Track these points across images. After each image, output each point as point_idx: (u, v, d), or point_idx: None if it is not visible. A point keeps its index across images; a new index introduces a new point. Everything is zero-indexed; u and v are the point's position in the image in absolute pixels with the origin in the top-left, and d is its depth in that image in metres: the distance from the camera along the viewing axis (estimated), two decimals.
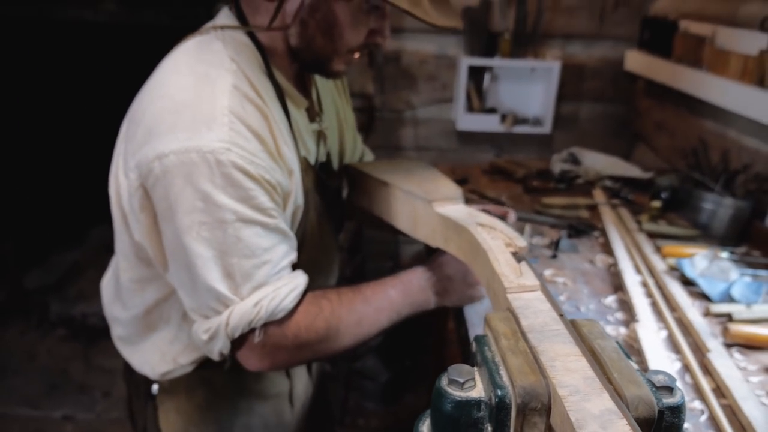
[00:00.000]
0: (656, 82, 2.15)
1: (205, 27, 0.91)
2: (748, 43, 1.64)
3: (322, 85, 1.13)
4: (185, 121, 0.80)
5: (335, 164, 1.17)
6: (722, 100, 1.70)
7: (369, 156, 1.37)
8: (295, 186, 0.93)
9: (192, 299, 0.87)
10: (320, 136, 1.07)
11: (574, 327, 0.55)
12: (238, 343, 0.89)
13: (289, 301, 0.88)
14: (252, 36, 0.90)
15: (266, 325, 0.88)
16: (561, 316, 0.57)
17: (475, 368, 0.55)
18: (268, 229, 0.85)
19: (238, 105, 0.82)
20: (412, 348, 2.68)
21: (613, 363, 0.49)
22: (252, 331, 0.87)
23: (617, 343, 0.54)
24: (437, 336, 1.98)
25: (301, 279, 0.91)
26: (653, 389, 0.49)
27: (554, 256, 1.41)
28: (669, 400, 0.51)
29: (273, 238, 0.86)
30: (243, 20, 0.90)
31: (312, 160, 1.02)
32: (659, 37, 2.11)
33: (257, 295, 0.85)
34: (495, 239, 0.74)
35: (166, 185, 0.80)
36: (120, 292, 1.02)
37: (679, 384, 0.96)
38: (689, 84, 1.88)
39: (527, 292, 0.62)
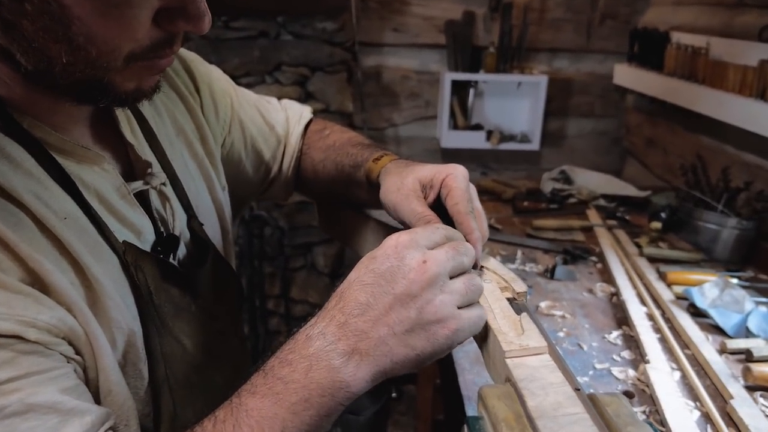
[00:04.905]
0: (647, 97, 2.06)
1: None
2: (746, 53, 1.55)
3: (155, 114, 0.75)
4: None
5: (211, 222, 0.81)
6: (721, 114, 1.61)
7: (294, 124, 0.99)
8: (108, 303, 0.56)
9: None
10: (162, 197, 0.70)
11: (595, 407, 0.42)
12: None
13: None
14: None
15: None
16: (577, 390, 0.44)
17: None
18: (15, 416, 0.47)
19: None
20: (398, 378, 2.53)
21: None
22: None
23: (652, 426, 0.41)
24: (425, 366, 1.85)
25: None
26: None
27: (552, 277, 1.31)
28: None
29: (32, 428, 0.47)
30: None
31: (148, 240, 0.66)
32: (649, 50, 2.02)
33: None
34: (487, 281, 0.61)
35: None
36: None
37: None
38: (684, 98, 1.79)
39: (532, 356, 0.49)
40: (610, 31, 2.34)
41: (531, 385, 0.45)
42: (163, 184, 0.70)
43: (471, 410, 0.88)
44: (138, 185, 0.66)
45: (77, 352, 0.53)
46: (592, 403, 0.43)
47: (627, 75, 2.18)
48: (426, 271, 0.52)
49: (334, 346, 0.51)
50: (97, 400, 0.55)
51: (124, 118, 0.68)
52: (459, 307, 0.53)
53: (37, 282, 0.51)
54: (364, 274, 0.53)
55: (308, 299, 2.47)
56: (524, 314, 0.55)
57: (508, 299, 0.58)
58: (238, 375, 0.79)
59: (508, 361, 0.48)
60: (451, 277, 0.54)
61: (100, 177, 0.61)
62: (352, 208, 0.92)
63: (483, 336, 0.56)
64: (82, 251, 0.55)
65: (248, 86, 2.18)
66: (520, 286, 0.60)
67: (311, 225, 2.36)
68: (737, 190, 1.52)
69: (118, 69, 0.52)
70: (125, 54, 0.51)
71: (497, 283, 0.61)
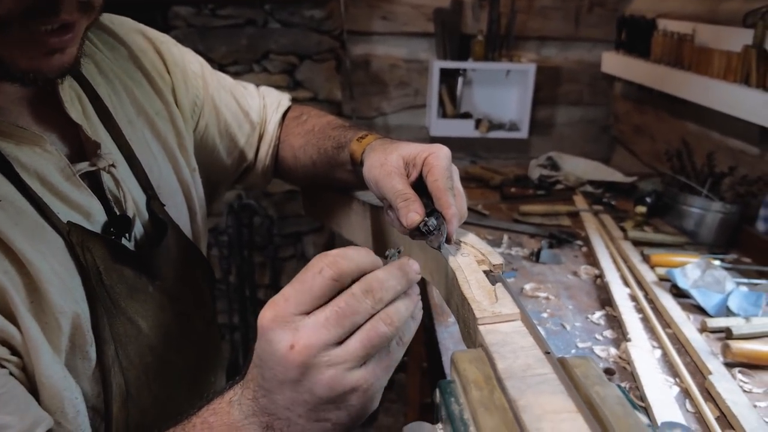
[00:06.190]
0: (634, 84, 2.07)
1: None
2: (730, 39, 1.56)
3: (111, 93, 0.73)
4: None
5: (176, 203, 0.79)
6: (706, 100, 1.62)
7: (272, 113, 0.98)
8: (48, 289, 0.54)
9: None
10: (114, 179, 0.67)
11: (564, 369, 0.43)
12: None
13: None
14: None
15: None
16: (547, 353, 0.45)
17: (439, 426, 0.43)
18: None
19: None
20: None
21: (618, 421, 0.37)
22: None
23: (620, 388, 0.42)
24: (414, 352, 1.86)
25: None
26: None
27: (537, 261, 1.33)
28: None
29: None
30: None
31: (98, 221, 0.65)
32: (637, 38, 2.03)
33: None
34: (465, 255, 0.62)
35: None
36: None
37: (679, 413, 0.85)
38: (670, 84, 1.80)
39: (504, 323, 0.50)
40: (598, 18, 2.34)
41: (502, 349, 0.46)
42: (113, 165, 0.67)
43: None
44: (83, 166, 0.64)
45: (14, 352, 0.52)
46: (561, 365, 0.44)
47: (615, 63, 2.19)
48: (294, 359, 0.44)
49: (251, 420, 0.49)
50: (35, 391, 0.54)
51: (73, 97, 0.67)
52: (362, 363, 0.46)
53: None
54: (253, 351, 0.49)
55: None
56: (499, 284, 0.55)
57: (485, 272, 0.59)
58: (203, 358, 0.80)
59: (480, 327, 0.49)
60: (344, 339, 0.46)
61: (40, 158, 0.59)
62: (335, 190, 0.93)
63: (459, 306, 0.57)
64: (16, 237, 0.53)
65: (236, 75, 2.18)
66: (497, 259, 0.60)
67: (300, 214, 2.36)
68: (721, 174, 1.54)
69: None
70: None
71: (474, 257, 0.61)
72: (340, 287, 0.46)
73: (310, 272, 0.46)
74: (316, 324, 0.44)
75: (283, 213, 2.36)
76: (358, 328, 0.46)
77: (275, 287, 2.43)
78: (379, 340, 0.46)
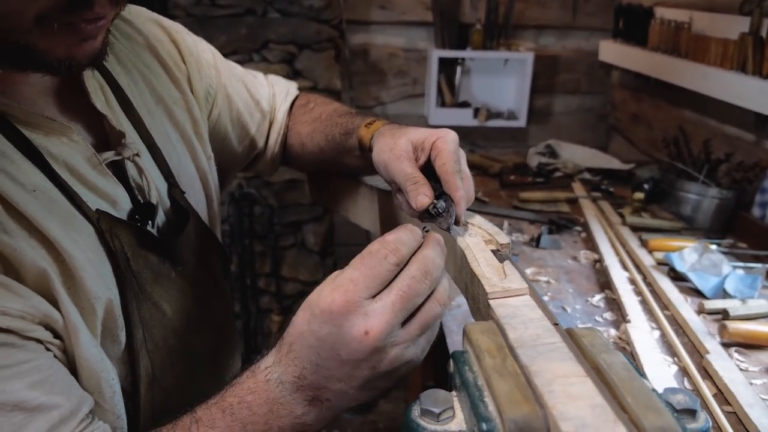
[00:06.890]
0: (632, 73, 2.09)
1: None
2: (727, 27, 1.58)
3: (131, 83, 0.74)
4: None
5: (195, 191, 0.81)
6: (703, 88, 1.64)
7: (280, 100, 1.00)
8: (82, 276, 0.56)
9: None
10: (137, 166, 0.69)
11: (572, 339, 0.45)
12: None
13: None
14: None
15: None
16: (556, 325, 0.47)
17: (454, 393, 0.45)
18: None
19: None
20: None
21: (624, 384, 0.39)
22: None
23: (626, 356, 0.44)
24: None
25: None
26: (674, 415, 0.40)
27: (537, 246, 1.35)
28: (693, 426, 0.41)
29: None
30: None
31: (124, 209, 0.66)
32: (634, 26, 2.05)
33: None
34: (473, 235, 0.64)
35: None
36: None
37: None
38: (667, 72, 1.82)
39: (513, 297, 0.52)
40: (595, 7, 2.35)
41: (512, 321, 0.48)
42: (137, 154, 0.68)
43: None
44: (109, 155, 0.65)
45: (56, 336, 0.54)
46: (569, 335, 0.46)
47: (612, 51, 2.21)
48: (368, 344, 0.47)
49: (295, 396, 0.51)
50: (75, 373, 0.56)
51: (97, 88, 0.67)
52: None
53: (9, 267, 0.51)
54: (307, 331, 0.50)
55: (299, 277, 2.49)
56: (507, 262, 0.57)
57: (493, 251, 0.61)
58: (222, 341, 0.82)
59: (491, 302, 0.51)
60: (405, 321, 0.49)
61: (68, 148, 0.60)
62: (342, 176, 0.95)
63: (468, 283, 0.59)
64: (50, 225, 0.54)
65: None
66: (504, 239, 0.62)
67: (301, 203, 2.38)
68: (718, 161, 1.56)
69: (31, 31, 0.49)
70: (34, 15, 0.48)
71: (482, 237, 0.63)
72: (399, 270, 0.50)
73: (376, 258, 0.49)
74: (384, 308, 0.48)
75: (283, 202, 2.37)
76: (417, 307, 0.50)
77: (276, 276, 2.45)
78: (433, 320, 0.51)
